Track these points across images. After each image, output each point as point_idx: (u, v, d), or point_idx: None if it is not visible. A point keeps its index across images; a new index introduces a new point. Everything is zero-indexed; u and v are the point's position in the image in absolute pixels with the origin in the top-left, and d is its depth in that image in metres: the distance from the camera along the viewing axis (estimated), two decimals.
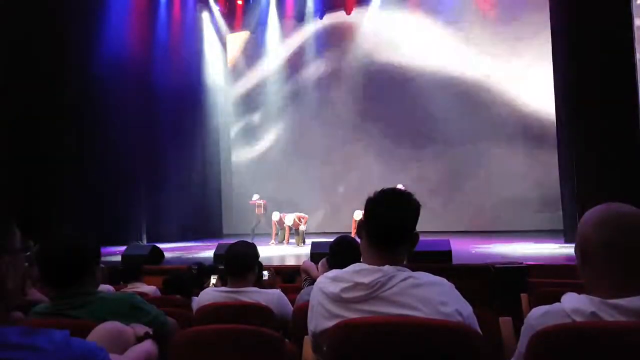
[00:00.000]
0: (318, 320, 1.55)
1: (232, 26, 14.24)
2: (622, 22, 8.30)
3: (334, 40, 13.49)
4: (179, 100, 12.74)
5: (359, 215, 10.21)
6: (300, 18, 13.56)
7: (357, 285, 1.47)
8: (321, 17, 13.32)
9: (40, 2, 9.16)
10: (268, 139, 14.30)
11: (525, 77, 11.61)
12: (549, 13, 10.03)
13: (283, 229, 10.78)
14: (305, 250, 8.75)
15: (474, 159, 11.94)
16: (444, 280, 1.51)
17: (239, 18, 14.02)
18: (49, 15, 9.26)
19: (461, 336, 1.41)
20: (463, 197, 11.95)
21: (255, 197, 12.18)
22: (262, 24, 13.89)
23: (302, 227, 10.46)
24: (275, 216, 10.84)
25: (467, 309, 1.50)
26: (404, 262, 1.55)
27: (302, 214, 11.52)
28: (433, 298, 1.44)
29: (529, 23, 11.15)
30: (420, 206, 1.59)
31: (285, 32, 14.02)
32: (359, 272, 1.49)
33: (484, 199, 11.76)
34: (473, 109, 11.91)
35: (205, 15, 13.84)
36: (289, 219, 10.61)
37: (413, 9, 12.64)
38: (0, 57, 8.76)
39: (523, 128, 11.56)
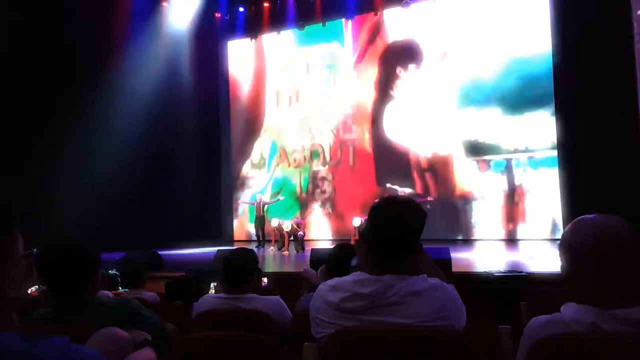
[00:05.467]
0: (317, 328, 1.55)
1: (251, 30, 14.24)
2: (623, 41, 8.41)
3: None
4: (181, 103, 12.80)
5: (357, 222, 10.21)
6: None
7: (356, 296, 1.47)
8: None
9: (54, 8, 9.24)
10: (269, 143, 14.31)
11: None
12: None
13: (282, 235, 10.77)
14: (305, 257, 8.75)
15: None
16: (444, 285, 1.51)
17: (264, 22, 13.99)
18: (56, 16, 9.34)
19: (456, 345, 1.41)
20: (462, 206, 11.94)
21: (258, 197, 12.29)
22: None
23: (300, 233, 10.45)
24: (274, 222, 10.85)
25: (461, 321, 1.50)
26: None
27: (300, 220, 11.53)
28: (431, 309, 1.44)
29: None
30: (426, 215, 1.58)
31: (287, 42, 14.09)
32: (359, 282, 1.49)
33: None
34: None
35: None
36: (287, 225, 10.62)
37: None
38: (4, 55, 8.78)
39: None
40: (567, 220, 9.25)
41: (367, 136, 12.98)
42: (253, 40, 14.36)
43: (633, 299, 1.23)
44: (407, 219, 1.54)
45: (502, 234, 11.26)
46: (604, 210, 1.39)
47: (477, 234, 11.55)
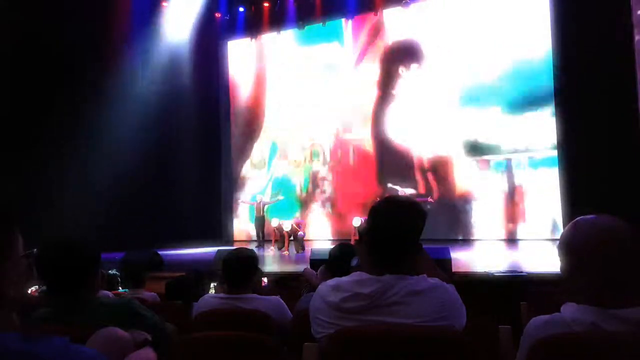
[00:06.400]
0: (317, 328, 1.55)
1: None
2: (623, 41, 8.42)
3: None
4: (181, 103, 12.82)
5: (357, 222, 10.21)
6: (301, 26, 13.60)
7: (356, 296, 1.47)
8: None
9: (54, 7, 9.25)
10: (269, 143, 14.32)
11: None
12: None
13: (282, 235, 10.78)
14: (305, 257, 8.75)
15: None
16: (444, 285, 1.51)
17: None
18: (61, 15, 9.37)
19: (456, 345, 1.41)
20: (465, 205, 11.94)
21: (259, 197, 12.30)
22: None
23: (300, 233, 10.45)
24: (274, 222, 10.85)
25: (461, 321, 1.50)
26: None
27: (300, 220, 11.53)
28: (431, 309, 1.44)
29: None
30: (427, 215, 1.58)
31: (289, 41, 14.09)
32: (359, 282, 1.49)
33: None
34: None
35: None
36: (287, 225, 10.62)
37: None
38: (4, 55, 8.78)
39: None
40: (567, 220, 9.24)
41: (367, 136, 12.98)
42: (253, 40, 14.36)
43: (633, 298, 1.23)
44: (407, 218, 1.54)
45: (502, 234, 11.26)
46: (604, 210, 1.39)
47: (477, 234, 11.54)
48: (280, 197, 12.82)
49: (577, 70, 9.59)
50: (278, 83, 14.21)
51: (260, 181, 14.28)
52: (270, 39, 14.19)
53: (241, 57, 14.75)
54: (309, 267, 4.52)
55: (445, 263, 5.44)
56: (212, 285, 4.04)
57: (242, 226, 14.34)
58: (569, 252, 1.33)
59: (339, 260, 2.76)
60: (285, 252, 10.38)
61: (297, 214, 13.07)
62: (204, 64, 13.79)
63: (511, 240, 10.99)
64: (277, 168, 14.14)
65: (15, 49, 8.94)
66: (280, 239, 10.85)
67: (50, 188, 9.25)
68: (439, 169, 12.01)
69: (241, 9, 14.02)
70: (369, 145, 12.94)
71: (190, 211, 12.60)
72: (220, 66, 14.72)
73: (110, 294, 2.87)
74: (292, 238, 10.66)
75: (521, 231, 11.10)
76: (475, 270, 5.91)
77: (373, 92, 12.93)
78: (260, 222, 11.85)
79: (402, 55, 12.65)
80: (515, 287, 4.68)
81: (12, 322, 0.97)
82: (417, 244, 1.57)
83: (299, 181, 13.79)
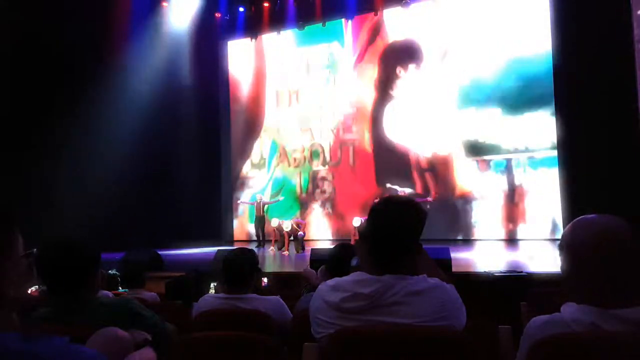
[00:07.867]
0: (317, 328, 1.55)
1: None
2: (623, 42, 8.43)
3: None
4: (181, 103, 12.82)
5: (357, 222, 10.21)
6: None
7: (356, 296, 1.47)
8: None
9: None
10: (269, 143, 14.32)
11: None
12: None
13: (282, 235, 10.77)
14: (305, 257, 8.74)
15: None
16: (444, 285, 1.51)
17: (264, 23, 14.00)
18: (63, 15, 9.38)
19: (456, 345, 1.41)
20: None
21: (258, 197, 12.29)
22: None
23: (300, 233, 10.45)
24: (274, 222, 10.84)
25: (461, 321, 1.50)
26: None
27: (300, 220, 11.53)
28: (431, 309, 1.44)
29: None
30: (426, 215, 1.58)
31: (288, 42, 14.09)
32: (359, 282, 1.49)
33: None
34: None
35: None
36: (287, 225, 10.61)
37: None
38: (4, 55, 8.78)
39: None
40: (567, 220, 9.24)
41: (367, 136, 12.98)
42: (253, 40, 14.36)
43: (633, 298, 1.23)
44: (407, 218, 1.54)
45: (502, 234, 11.26)
46: (604, 210, 1.39)
47: (477, 234, 11.54)
48: (280, 198, 12.82)
49: (577, 70, 9.60)
50: (278, 83, 14.22)
51: (260, 181, 14.29)
52: (270, 39, 14.20)
53: (241, 57, 14.75)
54: (309, 267, 4.53)
55: (445, 263, 5.44)
56: (212, 285, 4.05)
57: (242, 226, 14.35)
58: (570, 252, 1.33)
59: (339, 260, 2.75)
60: (285, 252, 10.37)
61: (297, 214, 13.07)
62: (204, 63, 13.79)
63: (511, 240, 10.99)
64: (277, 168, 14.14)
65: (15, 49, 8.94)
66: (280, 239, 10.84)
67: (49, 188, 9.25)
68: (439, 169, 12.01)
69: (241, 9, 14.03)
70: (369, 145, 12.94)
71: (190, 211, 12.59)
72: (220, 66, 14.72)
73: (110, 294, 2.87)
74: (292, 238, 10.65)
75: (521, 231, 11.10)
76: (475, 270, 5.91)
77: (373, 92, 12.93)
78: (260, 222, 11.86)
79: (402, 55, 12.65)
80: (515, 287, 4.68)
81: (12, 322, 0.97)
82: (417, 244, 1.57)
83: (299, 181, 13.79)
